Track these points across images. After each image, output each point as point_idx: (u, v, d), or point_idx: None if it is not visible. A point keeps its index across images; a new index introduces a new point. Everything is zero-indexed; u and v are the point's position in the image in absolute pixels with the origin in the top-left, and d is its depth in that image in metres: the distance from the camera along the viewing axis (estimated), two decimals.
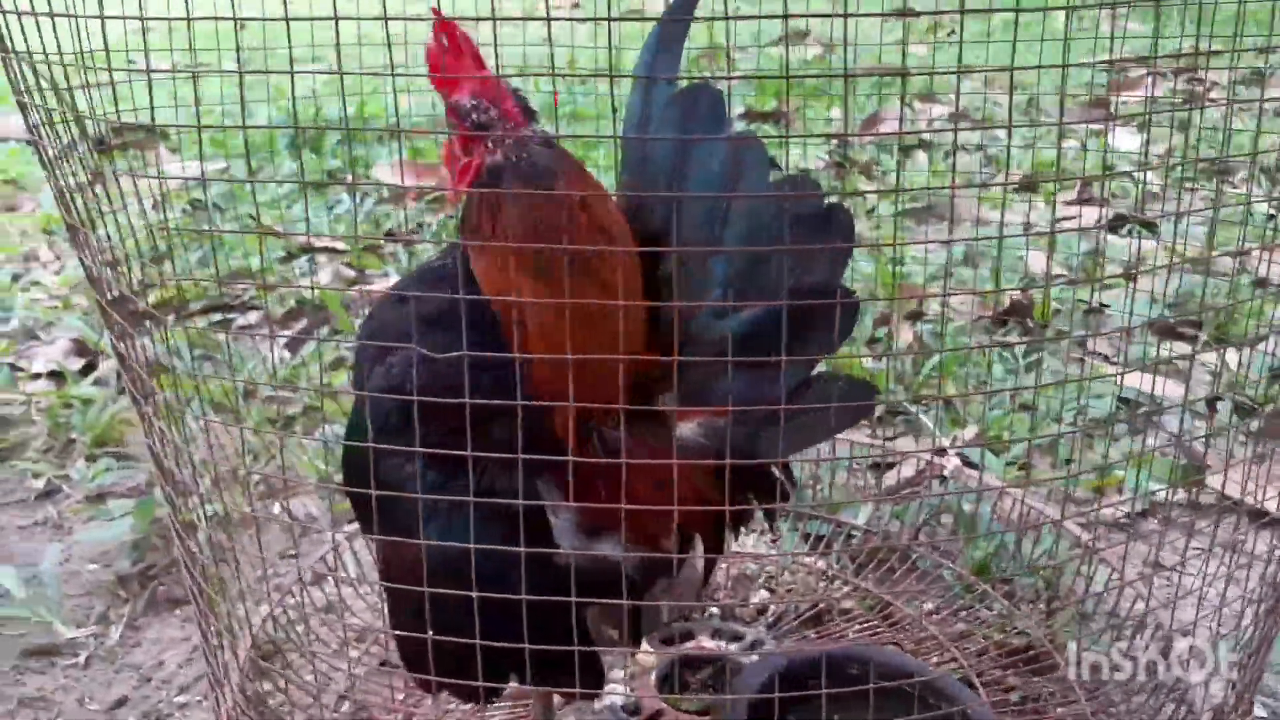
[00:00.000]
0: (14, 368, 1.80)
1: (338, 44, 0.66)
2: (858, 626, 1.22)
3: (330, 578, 1.28)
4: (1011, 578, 1.28)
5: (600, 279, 0.79)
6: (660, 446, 0.88)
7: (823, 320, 0.82)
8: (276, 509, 1.44)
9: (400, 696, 1.11)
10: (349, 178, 2.67)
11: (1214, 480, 1.55)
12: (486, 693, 0.86)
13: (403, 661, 0.91)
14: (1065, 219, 2.82)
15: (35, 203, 2.71)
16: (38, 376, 1.79)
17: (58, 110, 0.82)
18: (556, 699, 1.04)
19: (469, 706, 1.08)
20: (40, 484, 1.52)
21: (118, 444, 1.61)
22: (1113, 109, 3.95)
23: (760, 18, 0.80)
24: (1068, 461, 1.54)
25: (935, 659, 1.16)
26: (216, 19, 0.74)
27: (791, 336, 0.75)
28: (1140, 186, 2.95)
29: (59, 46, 0.75)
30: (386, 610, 0.90)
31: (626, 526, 0.84)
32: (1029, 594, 1.26)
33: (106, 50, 0.74)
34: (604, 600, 0.80)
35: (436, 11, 0.78)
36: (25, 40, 0.76)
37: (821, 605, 1.24)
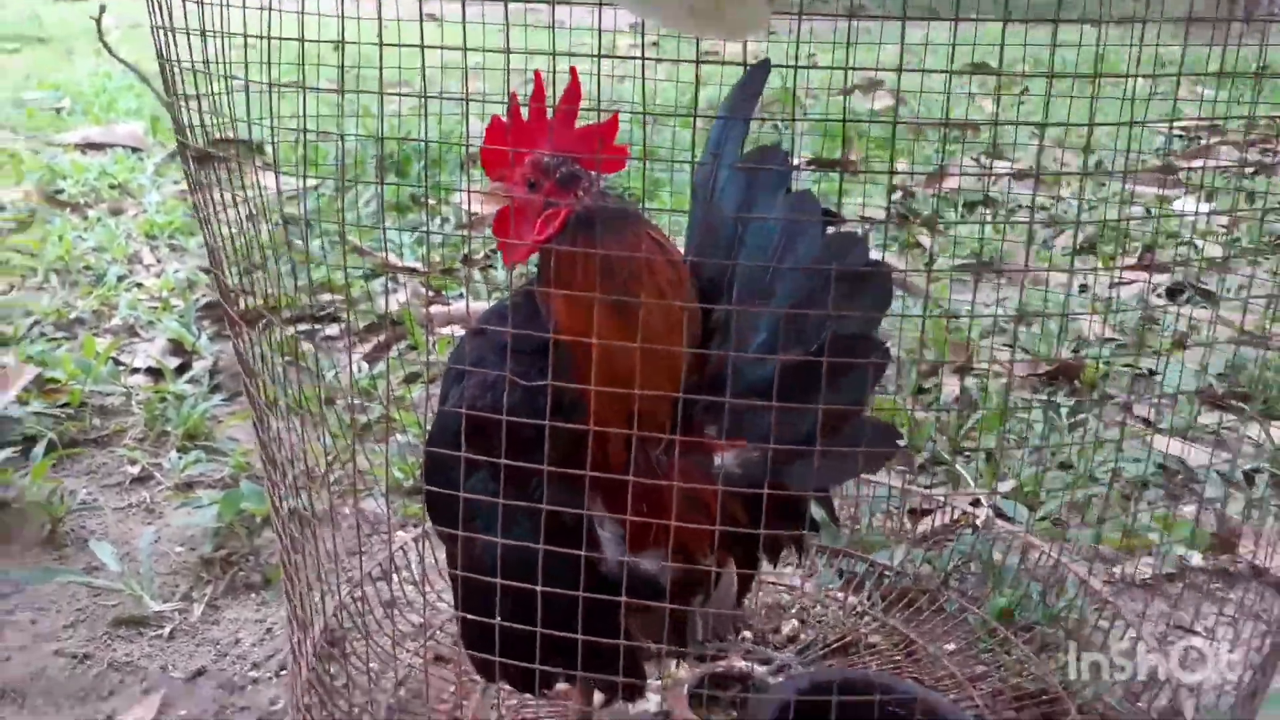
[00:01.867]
0: (117, 362, 1.94)
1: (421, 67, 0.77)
2: (881, 660, 1.29)
3: (395, 576, 1.38)
4: (1033, 626, 1.34)
5: (668, 318, 0.88)
6: (701, 473, 0.97)
7: (854, 368, 0.91)
8: (348, 509, 1.55)
9: (451, 689, 1.20)
10: (430, 201, 2.81)
11: (1245, 549, 1.60)
12: (540, 682, 0.94)
13: (466, 649, 1.00)
14: (1123, 283, 2.86)
15: (140, 207, 2.89)
16: (137, 371, 1.93)
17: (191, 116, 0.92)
18: (597, 698, 1.13)
19: (513, 702, 1.18)
20: (136, 470, 1.65)
21: (207, 438, 1.74)
22: (1181, 176, 3.97)
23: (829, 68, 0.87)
24: (1101, 521, 1.60)
25: (952, 696, 1.22)
26: (302, 39, 0.82)
27: (825, 383, 0.84)
28: (1200, 253, 3.00)
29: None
30: (454, 602, 0.99)
31: (665, 543, 0.93)
32: (1049, 642, 1.32)
33: (244, 60, 0.85)
34: (642, 602, 0.88)
35: (538, 74, 0.89)
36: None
37: (849, 638, 1.31)
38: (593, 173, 0.88)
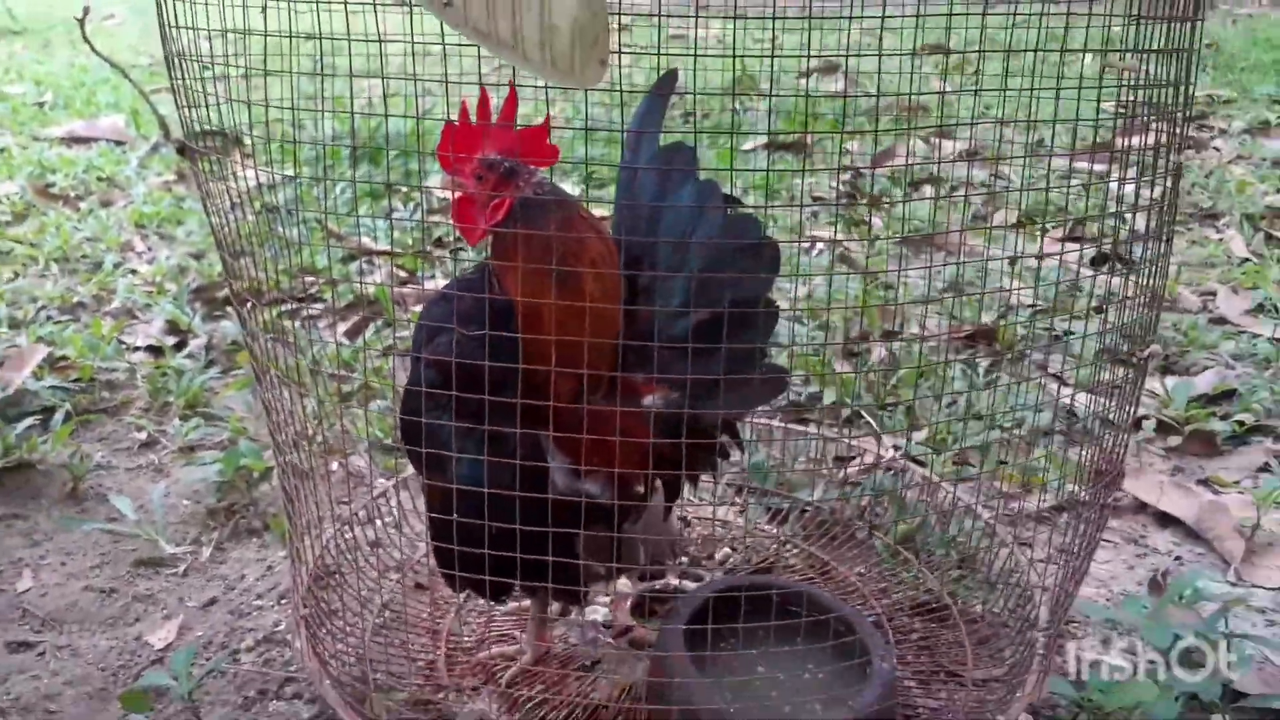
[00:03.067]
0: (119, 341, 2.13)
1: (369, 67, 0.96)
2: (798, 578, 1.50)
3: (377, 520, 1.58)
4: (930, 550, 1.56)
5: (602, 284, 1.08)
6: (632, 411, 1.17)
7: (751, 321, 1.12)
8: (335, 465, 1.74)
9: (428, 612, 1.41)
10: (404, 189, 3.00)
11: (1130, 485, 1.82)
12: (495, 590, 1.15)
13: (440, 568, 1.19)
14: (1050, 255, 3.08)
15: (128, 198, 3.06)
16: (138, 349, 2.12)
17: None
18: (552, 610, 1.33)
19: (481, 619, 1.38)
20: (143, 436, 1.84)
21: (205, 407, 1.93)
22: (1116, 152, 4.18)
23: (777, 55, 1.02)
24: (1002, 463, 1.81)
25: (857, 604, 1.44)
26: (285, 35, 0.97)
27: (729, 334, 1.05)
28: (1127, 225, 3.21)
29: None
30: (428, 527, 1.19)
31: (604, 471, 1.13)
32: (941, 563, 1.54)
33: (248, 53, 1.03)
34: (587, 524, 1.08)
35: (511, 83, 1.08)
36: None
37: (770, 561, 1.53)
38: (531, 167, 1.08)
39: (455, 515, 1.07)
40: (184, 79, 1.06)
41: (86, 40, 1.22)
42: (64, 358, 2.02)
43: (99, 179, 3.24)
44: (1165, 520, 1.73)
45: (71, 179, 3.19)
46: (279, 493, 1.27)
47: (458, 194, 1.07)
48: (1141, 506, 1.77)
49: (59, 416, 1.81)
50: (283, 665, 1.32)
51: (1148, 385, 2.16)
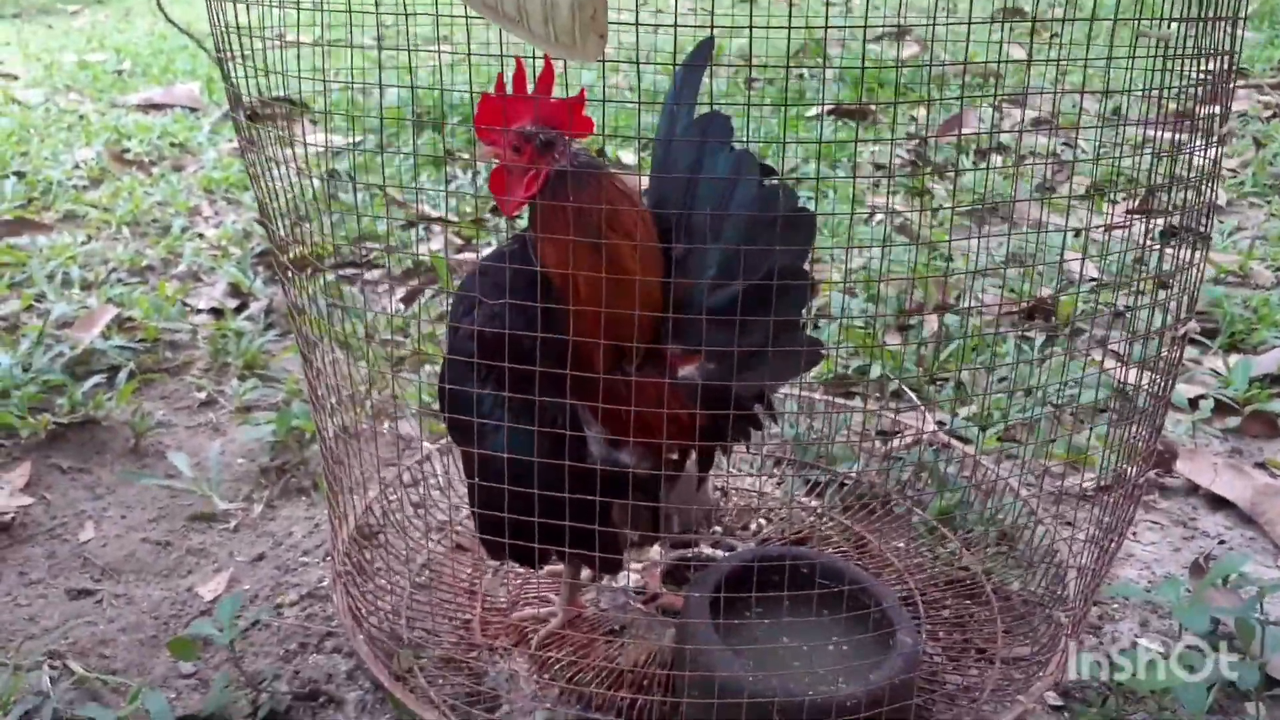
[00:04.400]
0: (184, 303, 2.20)
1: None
2: (832, 551, 1.50)
3: (421, 484, 1.62)
4: (969, 527, 1.55)
5: (638, 253, 1.09)
6: (667, 382, 1.18)
7: (789, 291, 1.12)
8: (385, 427, 1.79)
9: (468, 570, 1.44)
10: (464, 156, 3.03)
11: (1183, 466, 1.78)
12: (531, 557, 1.17)
13: (479, 535, 1.22)
14: (1118, 226, 2.99)
15: (199, 164, 3.14)
16: (201, 311, 2.19)
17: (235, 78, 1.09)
18: (584, 573, 1.36)
19: (518, 580, 1.41)
20: (203, 395, 1.91)
21: (262, 369, 1.99)
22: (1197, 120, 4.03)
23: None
24: (1051, 440, 1.78)
25: (891, 579, 1.44)
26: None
27: (765, 306, 1.05)
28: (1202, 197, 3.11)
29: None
30: (469, 496, 1.22)
31: (640, 440, 1.15)
32: (979, 540, 1.53)
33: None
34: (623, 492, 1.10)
35: (519, 61, 1.09)
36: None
37: (805, 533, 1.53)
38: (567, 138, 1.08)
39: (490, 482, 1.10)
40: (240, 49, 1.08)
41: (161, 9, 1.26)
42: (131, 319, 2.09)
43: (172, 145, 3.33)
44: (1217, 503, 1.69)
45: (146, 145, 3.28)
46: (322, 455, 1.30)
47: (495, 164, 1.08)
48: (1194, 488, 1.73)
49: (123, 375, 1.88)
50: (324, 620, 1.37)
51: (1208, 363, 2.10)
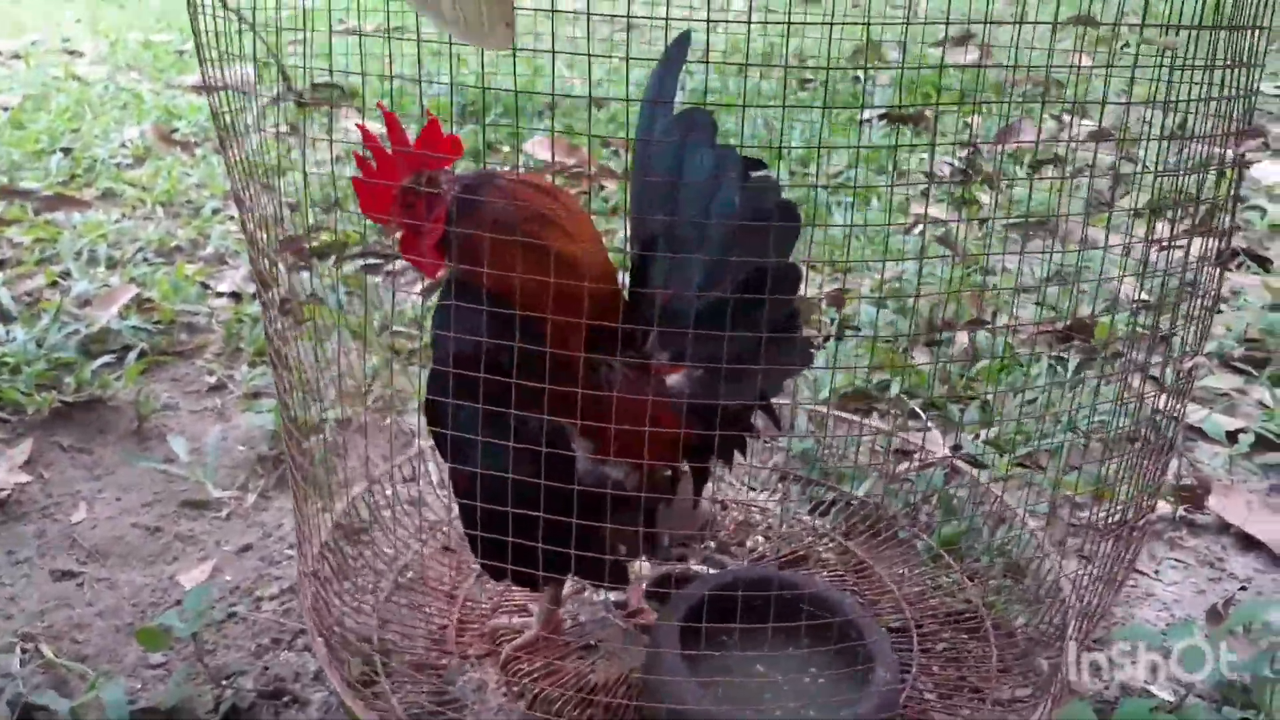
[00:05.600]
0: (204, 285, 2.20)
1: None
2: (829, 574, 1.44)
3: (419, 480, 1.59)
4: (975, 557, 1.48)
5: (561, 228, 1.02)
6: (654, 394, 1.14)
7: (779, 290, 1.07)
8: (387, 420, 1.77)
9: (452, 573, 1.41)
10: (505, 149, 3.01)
11: (1216, 503, 1.69)
12: (528, 579, 1.12)
13: (478, 559, 1.17)
14: (1171, 246, 2.86)
15: (243, 147, 3.16)
16: (221, 295, 2.19)
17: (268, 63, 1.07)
18: (566, 589, 1.32)
19: (500, 587, 1.37)
20: (212, 380, 1.90)
21: (278, 354, 1.98)
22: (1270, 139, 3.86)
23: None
24: (1076, 469, 1.70)
25: (889, 608, 1.38)
26: None
27: (753, 306, 1.01)
28: (1264, 218, 2.97)
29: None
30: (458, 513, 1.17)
31: (626, 455, 1.10)
32: (984, 571, 1.45)
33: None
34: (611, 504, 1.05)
35: (380, 105, 1.04)
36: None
37: (802, 553, 1.47)
38: (445, 169, 1.04)
39: (472, 500, 1.05)
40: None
41: None
42: (150, 299, 2.10)
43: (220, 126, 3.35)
44: (1249, 544, 1.59)
45: (193, 126, 3.31)
46: (287, 449, 1.28)
47: (399, 234, 1.05)
48: (1225, 526, 1.64)
49: (133, 356, 1.88)
50: (300, 616, 1.35)
51: (1254, 394, 2.00)
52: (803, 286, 1.14)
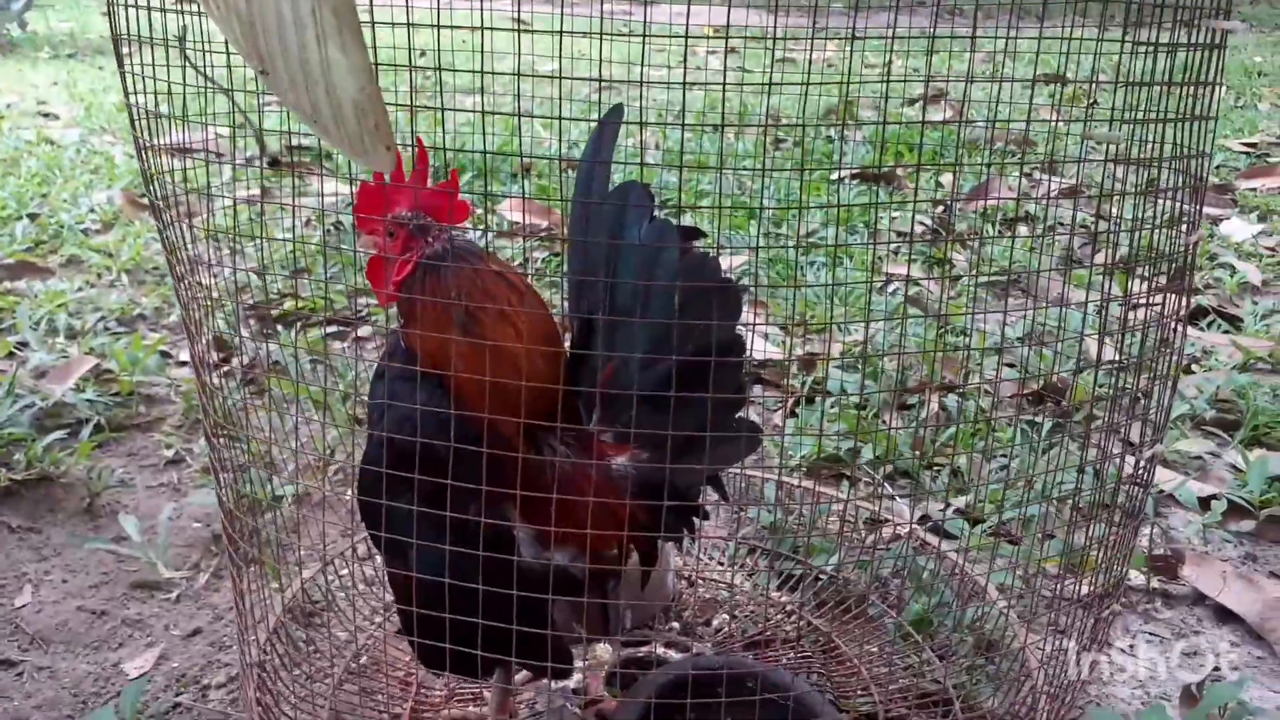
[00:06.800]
0: (165, 355, 2.17)
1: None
2: (796, 655, 1.40)
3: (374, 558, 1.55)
4: (946, 634, 1.44)
5: (513, 326, 1.01)
6: (599, 478, 1.11)
7: (728, 367, 1.04)
8: (347, 494, 1.73)
9: (406, 658, 1.37)
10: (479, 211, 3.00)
11: (1190, 572, 1.66)
12: (481, 669, 1.08)
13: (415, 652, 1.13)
14: (1144, 305, 2.87)
15: (210, 211, 3.14)
16: (183, 364, 2.15)
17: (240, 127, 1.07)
18: (520, 676, 1.28)
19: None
20: (170, 453, 1.86)
21: (234, 427, 1.94)
22: (1236, 195, 3.89)
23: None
24: (1049, 537, 1.67)
25: (858, 691, 1.34)
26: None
27: (697, 386, 0.98)
28: (1233, 277, 2.98)
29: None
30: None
31: (571, 540, 1.07)
32: (956, 649, 1.42)
33: None
34: (563, 598, 1.02)
35: (419, 140, 1.03)
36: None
37: (768, 633, 1.43)
38: (443, 224, 1.02)
39: (408, 605, 1.02)
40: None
41: (185, 58, 1.22)
42: (109, 370, 2.06)
43: (192, 190, 3.34)
44: (1225, 615, 1.57)
45: (165, 189, 3.29)
46: (227, 534, 1.24)
47: (372, 254, 1.03)
48: (1200, 597, 1.61)
49: (87, 430, 1.84)
50: (245, 707, 1.30)
51: (1227, 457, 1.98)
52: (766, 350, 1.12)
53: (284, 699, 1.22)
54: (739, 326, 1.09)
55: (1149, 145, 0.99)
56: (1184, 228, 1.00)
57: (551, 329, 1.05)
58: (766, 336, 2.41)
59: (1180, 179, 1.00)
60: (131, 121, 1.06)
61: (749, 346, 1.12)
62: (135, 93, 1.03)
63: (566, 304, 1.12)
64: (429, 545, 0.99)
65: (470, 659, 1.01)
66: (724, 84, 0.94)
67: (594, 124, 1.11)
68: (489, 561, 0.98)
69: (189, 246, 1.10)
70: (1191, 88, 0.94)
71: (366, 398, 1.13)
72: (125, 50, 1.00)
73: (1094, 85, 1.13)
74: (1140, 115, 0.96)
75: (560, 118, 0.92)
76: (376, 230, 1.01)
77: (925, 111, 2.29)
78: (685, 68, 0.99)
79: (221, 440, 1.18)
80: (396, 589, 1.08)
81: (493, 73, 0.90)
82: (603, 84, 1.01)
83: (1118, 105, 0.99)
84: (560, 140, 1.33)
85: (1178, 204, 1.02)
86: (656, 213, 1.09)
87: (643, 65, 0.93)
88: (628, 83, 1.09)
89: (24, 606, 1.47)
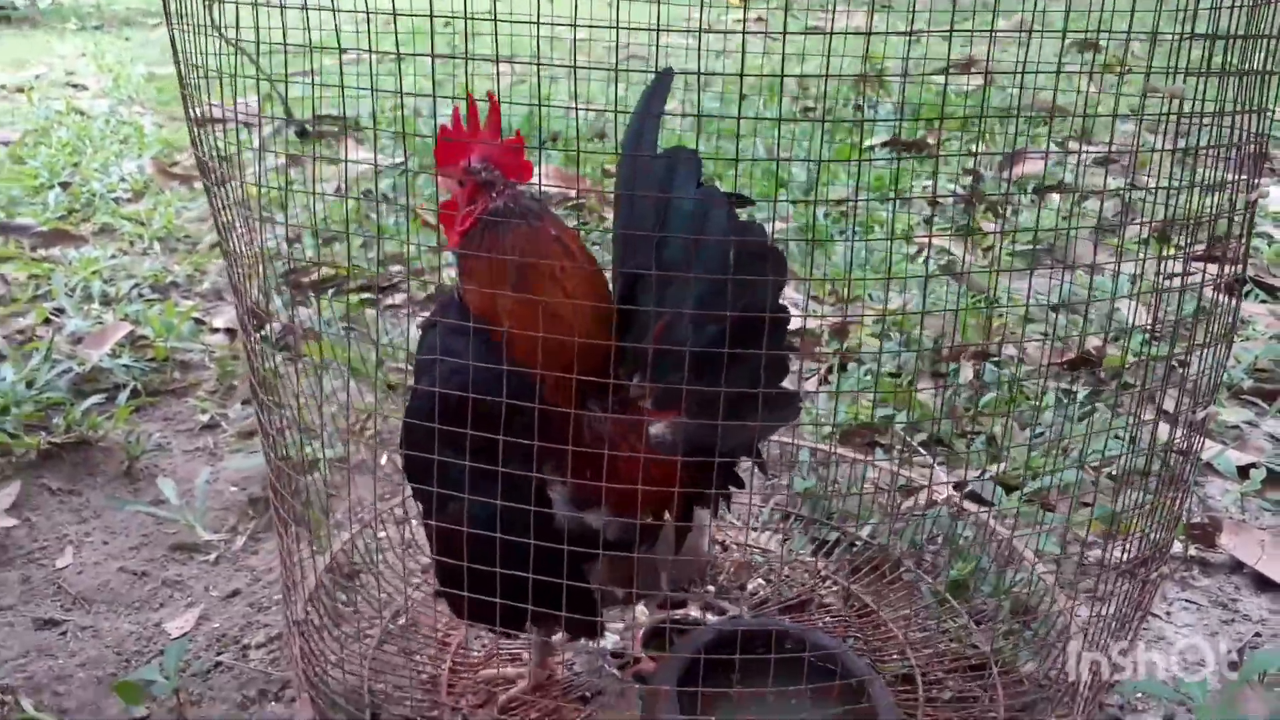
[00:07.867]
0: (199, 321, 2.18)
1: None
2: (833, 619, 1.40)
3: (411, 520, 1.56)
4: (983, 599, 1.43)
5: (562, 287, 1.02)
6: (640, 441, 1.10)
7: (774, 332, 1.03)
8: (384, 459, 1.73)
9: (445, 620, 1.37)
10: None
11: (1228, 540, 1.64)
12: (515, 625, 1.09)
13: (451, 609, 1.14)
14: (1182, 274, 2.82)
15: (243, 179, 3.15)
16: (216, 331, 2.16)
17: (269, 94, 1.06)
18: (557, 637, 1.28)
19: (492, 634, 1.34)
20: (205, 418, 1.87)
21: (270, 393, 1.95)
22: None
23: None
24: (1087, 505, 1.66)
25: (894, 654, 1.33)
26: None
27: (744, 345, 0.97)
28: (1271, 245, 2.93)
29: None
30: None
31: (608, 501, 1.07)
32: (991, 613, 1.41)
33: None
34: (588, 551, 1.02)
35: (492, 95, 1.03)
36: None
37: (804, 597, 1.43)
38: (510, 180, 1.03)
39: (450, 558, 1.03)
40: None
41: (216, 27, 1.22)
42: (144, 337, 2.08)
43: (219, 159, 3.34)
44: (1263, 583, 1.55)
45: (194, 159, 3.30)
46: (273, 494, 1.24)
47: (445, 196, 1.05)
48: (1238, 565, 1.59)
49: (124, 395, 1.85)
50: (289, 664, 1.31)
51: (1266, 427, 1.95)
52: (805, 320, 1.11)
53: (325, 658, 1.23)
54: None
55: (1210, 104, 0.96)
56: (1247, 185, 0.97)
57: (603, 289, 1.05)
58: (797, 305, 2.39)
59: (1240, 135, 0.98)
60: (181, 82, 1.05)
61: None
62: (185, 54, 1.02)
63: (612, 261, 1.12)
64: (471, 499, 1.00)
65: (509, 611, 1.02)
66: (743, 32, 0.91)
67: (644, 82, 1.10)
68: (524, 516, 0.98)
69: (238, 204, 1.09)
70: (1253, 40, 0.92)
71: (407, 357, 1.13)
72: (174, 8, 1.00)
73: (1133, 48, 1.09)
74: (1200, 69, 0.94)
75: (616, 69, 0.91)
76: (452, 174, 1.03)
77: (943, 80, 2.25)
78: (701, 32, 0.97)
79: (272, 400, 1.19)
80: (442, 541, 1.09)
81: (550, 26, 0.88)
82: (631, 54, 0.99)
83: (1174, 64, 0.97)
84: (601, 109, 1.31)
85: (1235, 166, 1.00)
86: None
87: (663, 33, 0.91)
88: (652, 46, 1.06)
89: (66, 567, 1.49)
